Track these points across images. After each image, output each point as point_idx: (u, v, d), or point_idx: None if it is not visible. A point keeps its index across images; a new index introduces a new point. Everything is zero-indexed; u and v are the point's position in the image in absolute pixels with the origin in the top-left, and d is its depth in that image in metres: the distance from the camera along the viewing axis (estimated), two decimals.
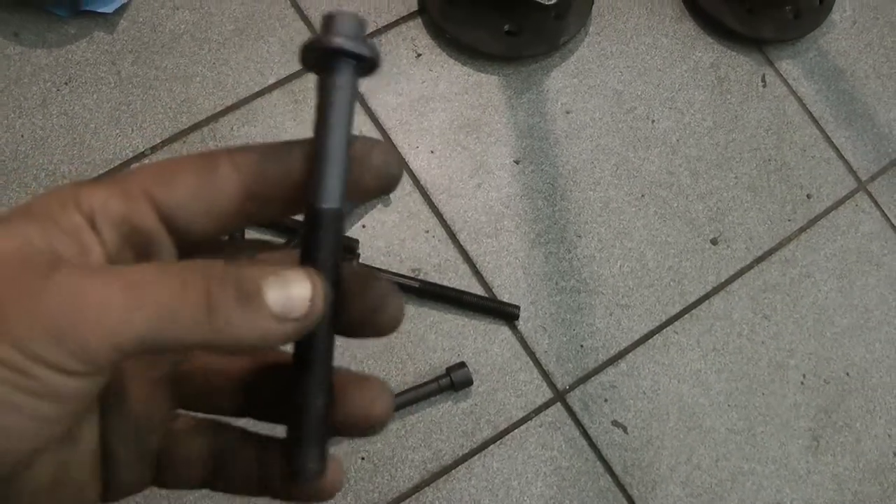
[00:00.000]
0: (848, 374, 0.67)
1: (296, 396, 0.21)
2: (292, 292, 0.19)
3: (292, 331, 0.19)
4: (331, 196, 0.20)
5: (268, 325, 0.19)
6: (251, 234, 0.61)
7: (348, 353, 0.61)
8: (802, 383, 0.66)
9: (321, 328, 0.21)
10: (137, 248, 0.20)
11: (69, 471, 0.21)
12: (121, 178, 0.20)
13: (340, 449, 0.60)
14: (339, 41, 0.20)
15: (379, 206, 0.65)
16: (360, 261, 0.63)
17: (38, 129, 0.63)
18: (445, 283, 0.64)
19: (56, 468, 0.20)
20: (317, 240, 0.21)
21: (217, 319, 0.18)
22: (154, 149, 0.64)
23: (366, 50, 0.20)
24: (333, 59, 0.20)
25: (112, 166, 0.63)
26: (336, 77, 0.21)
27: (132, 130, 0.64)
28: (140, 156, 0.64)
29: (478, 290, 0.65)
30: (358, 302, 0.21)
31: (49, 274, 0.17)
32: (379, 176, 0.21)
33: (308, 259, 0.21)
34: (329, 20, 0.20)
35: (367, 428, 0.22)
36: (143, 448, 0.23)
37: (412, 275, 0.64)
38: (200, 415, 0.24)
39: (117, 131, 0.64)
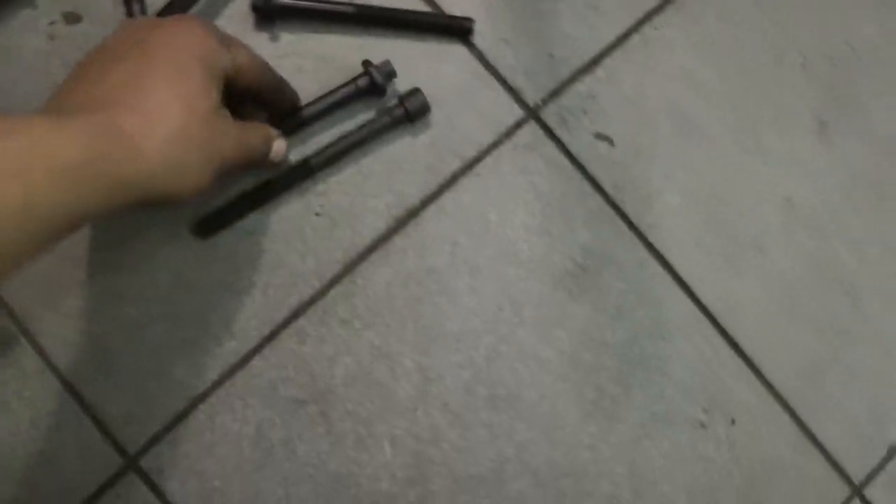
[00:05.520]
0: (852, 48, 0.59)
1: None
2: (278, 150, 0.47)
3: (272, 165, 0.48)
4: None
5: (267, 161, 0.47)
6: None
7: None
8: (803, 66, 0.58)
9: None
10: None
11: None
12: (237, 47, 0.43)
13: (291, 209, 0.52)
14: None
15: None
16: None
17: None
18: (385, 4, 0.53)
19: None
20: None
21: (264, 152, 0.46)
22: None
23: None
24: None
25: None
26: None
27: None
28: None
29: (421, 7, 0.54)
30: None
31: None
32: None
33: None
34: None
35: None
36: None
37: None
38: None
39: None
